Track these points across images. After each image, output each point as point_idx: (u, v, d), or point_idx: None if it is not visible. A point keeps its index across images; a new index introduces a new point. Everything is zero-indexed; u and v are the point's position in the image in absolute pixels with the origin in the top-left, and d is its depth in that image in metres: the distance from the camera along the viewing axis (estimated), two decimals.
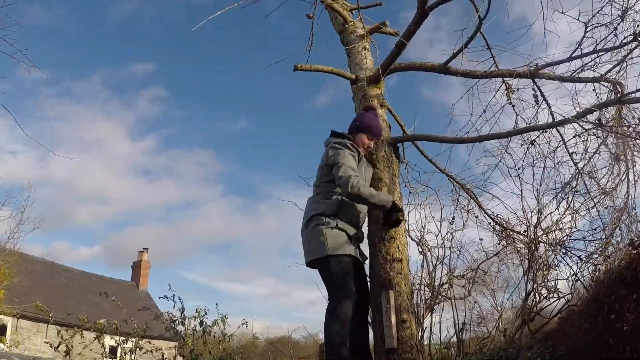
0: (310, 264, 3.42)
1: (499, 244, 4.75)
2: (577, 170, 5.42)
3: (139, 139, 54.27)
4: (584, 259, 5.27)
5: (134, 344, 5.05)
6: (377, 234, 3.44)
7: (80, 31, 48.84)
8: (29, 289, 16.84)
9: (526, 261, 4.07)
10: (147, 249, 27.19)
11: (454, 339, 4.44)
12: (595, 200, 5.55)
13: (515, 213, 4.42)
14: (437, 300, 3.91)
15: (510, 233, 4.59)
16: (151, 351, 4.99)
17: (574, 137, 5.45)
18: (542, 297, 4.05)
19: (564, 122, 4.22)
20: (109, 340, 5.13)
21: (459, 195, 4.57)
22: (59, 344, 5.02)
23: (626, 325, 4.74)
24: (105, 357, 5.06)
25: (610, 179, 5.75)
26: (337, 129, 3.71)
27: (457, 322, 3.72)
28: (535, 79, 4.75)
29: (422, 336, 3.74)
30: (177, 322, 4.95)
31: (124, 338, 5.15)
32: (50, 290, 18.76)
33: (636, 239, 5.05)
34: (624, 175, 5.65)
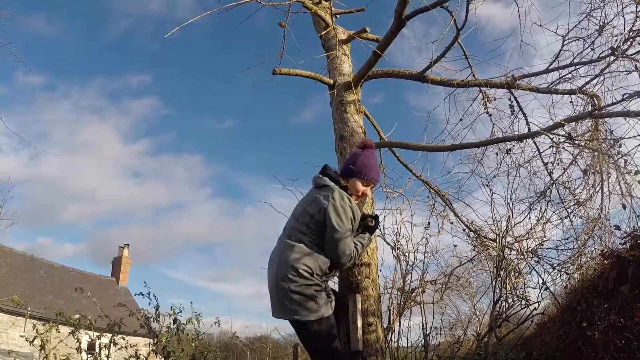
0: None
1: (474, 250, 4.84)
2: (552, 181, 5.53)
3: (131, 143, 54.39)
4: (556, 267, 5.38)
5: (108, 339, 5.05)
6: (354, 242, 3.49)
7: (80, 44, 49.21)
8: (8, 282, 16.70)
9: (495, 269, 4.16)
10: (128, 244, 26.85)
11: (430, 342, 4.50)
12: (569, 210, 5.66)
13: (486, 221, 4.52)
14: (409, 305, 3.98)
15: (484, 240, 4.69)
16: (126, 347, 5.00)
17: (549, 147, 5.57)
18: (509, 305, 4.13)
19: (535, 134, 4.32)
20: (85, 336, 5.13)
21: (435, 202, 4.66)
22: (34, 337, 5.00)
23: (597, 333, 4.84)
24: (80, 352, 5.06)
25: (585, 189, 5.87)
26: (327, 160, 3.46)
27: (424, 326, 3.79)
28: (512, 90, 4.86)
29: (391, 339, 3.80)
30: (151, 318, 4.98)
31: (98, 334, 5.15)
32: (29, 284, 18.58)
33: (607, 250, 5.16)
34: (599, 187, 5.77)
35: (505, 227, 4.24)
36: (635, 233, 4.68)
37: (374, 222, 3.33)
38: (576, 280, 6.29)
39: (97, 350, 5.19)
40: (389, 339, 3.75)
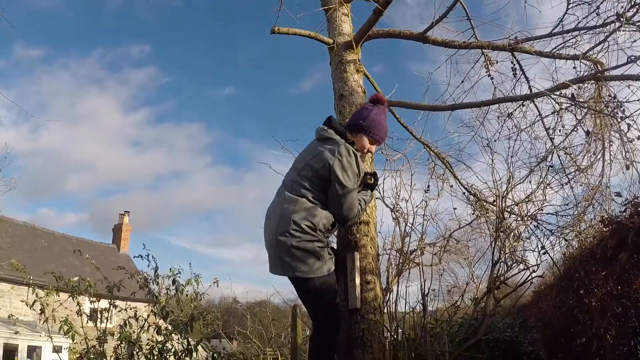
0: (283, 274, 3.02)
1: (473, 214, 4.83)
2: (553, 146, 5.49)
3: (131, 112, 54.28)
4: (555, 233, 5.38)
5: (108, 302, 5.08)
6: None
7: (79, 16, 48.61)
8: (9, 252, 16.80)
9: (494, 231, 4.15)
10: (128, 212, 27.01)
11: (428, 305, 4.53)
12: (569, 176, 5.63)
13: (486, 183, 4.50)
14: (407, 266, 3.98)
15: (484, 203, 4.67)
16: (125, 309, 5.03)
17: (552, 113, 5.51)
18: (508, 267, 4.14)
19: (538, 94, 4.27)
20: (87, 302, 5.15)
21: (435, 164, 4.63)
22: (34, 301, 5.03)
23: (594, 301, 4.87)
24: (80, 315, 5.09)
25: (586, 156, 5.84)
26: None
27: (422, 287, 3.80)
28: (515, 52, 4.77)
29: (389, 299, 3.82)
30: (150, 280, 5.00)
31: (98, 297, 5.17)
32: (30, 253, 18.71)
33: (607, 217, 5.15)
34: (600, 155, 5.73)
35: (505, 189, 4.21)
36: (635, 200, 4.67)
37: (373, 179, 3.30)
38: (575, 248, 6.31)
39: (98, 312, 5.22)
40: (387, 298, 3.76)
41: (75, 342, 5.00)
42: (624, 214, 4.77)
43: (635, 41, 4.49)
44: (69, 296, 5.08)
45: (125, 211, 27.02)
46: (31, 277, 5.61)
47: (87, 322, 5.06)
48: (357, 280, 3.24)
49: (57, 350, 5.78)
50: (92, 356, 4.89)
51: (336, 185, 2.94)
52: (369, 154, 3.29)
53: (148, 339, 4.76)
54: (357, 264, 3.26)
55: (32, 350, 16.21)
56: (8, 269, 15.13)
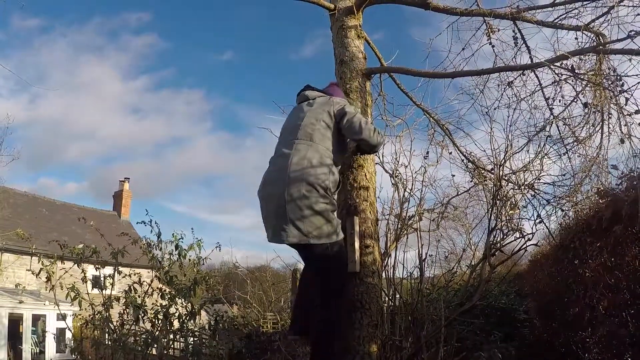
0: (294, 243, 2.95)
1: (471, 181, 4.88)
2: (552, 116, 5.51)
3: (130, 80, 53.93)
4: (551, 202, 5.43)
5: (113, 268, 5.17)
6: (345, 161, 3.52)
7: None
8: (11, 222, 16.92)
9: (491, 198, 4.20)
10: (128, 178, 26.91)
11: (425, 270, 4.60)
12: (567, 147, 5.67)
13: (484, 150, 4.53)
14: (405, 232, 4.05)
15: (482, 171, 4.71)
16: (129, 275, 5.13)
17: (552, 84, 5.51)
18: (504, 235, 4.20)
19: (538, 65, 4.27)
20: (91, 270, 5.24)
21: (434, 131, 4.66)
22: (40, 270, 5.12)
23: (588, 271, 4.97)
24: (85, 282, 5.19)
25: (585, 128, 5.86)
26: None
27: (420, 251, 3.88)
28: (516, 21, 4.75)
29: (387, 263, 3.89)
30: (153, 245, 5.08)
31: (100, 265, 5.25)
32: (32, 222, 18.82)
33: (603, 189, 5.20)
34: (599, 127, 5.75)
35: (503, 157, 4.25)
36: (631, 174, 4.72)
37: None
38: (571, 219, 6.38)
39: (103, 279, 5.32)
40: (385, 263, 3.84)
41: (81, 308, 5.12)
42: (620, 186, 4.83)
43: (638, 14, 4.46)
44: (74, 264, 5.18)
45: (125, 178, 26.91)
46: (35, 247, 5.70)
47: (92, 289, 5.16)
48: (356, 245, 3.30)
49: (63, 317, 5.91)
50: (97, 322, 5.01)
51: (354, 118, 3.07)
52: None
53: (152, 304, 4.87)
54: (357, 228, 3.32)
55: (37, 319, 16.45)
56: (12, 239, 15.28)
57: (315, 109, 3.16)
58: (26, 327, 15.86)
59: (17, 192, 20.88)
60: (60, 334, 15.93)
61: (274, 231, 2.97)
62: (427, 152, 4.52)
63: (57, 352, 16.21)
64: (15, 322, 15.95)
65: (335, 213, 2.96)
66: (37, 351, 16.32)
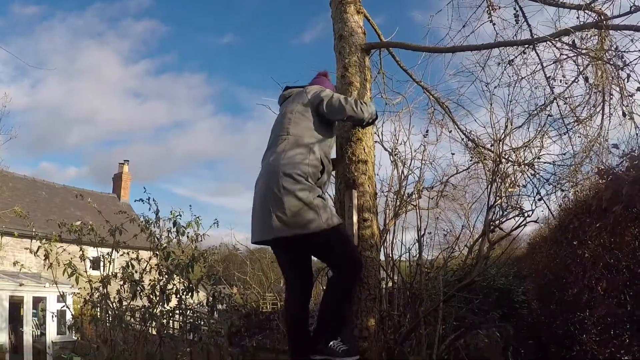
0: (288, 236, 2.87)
1: (470, 159, 4.85)
2: (553, 94, 5.47)
3: (131, 64, 53.79)
4: (551, 182, 5.42)
5: (111, 246, 5.17)
6: (344, 135, 3.50)
7: None
8: (10, 205, 16.87)
9: (491, 175, 4.19)
10: (128, 160, 26.62)
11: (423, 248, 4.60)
12: (568, 126, 5.64)
13: (484, 127, 4.50)
14: (404, 209, 4.04)
15: (482, 150, 4.69)
16: (127, 252, 5.13)
17: (553, 62, 5.47)
18: (503, 210, 4.19)
19: (539, 40, 4.21)
20: (90, 252, 5.24)
21: (434, 109, 4.62)
22: (38, 248, 5.12)
23: (587, 252, 4.96)
24: (84, 260, 5.19)
25: (586, 108, 5.82)
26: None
27: (419, 228, 3.88)
28: None
29: (386, 239, 3.89)
30: (151, 223, 5.07)
31: (99, 242, 5.25)
32: (31, 205, 18.75)
33: (604, 168, 5.18)
34: (600, 107, 5.72)
35: (503, 132, 4.23)
36: (632, 153, 4.69)
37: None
38: (570, 200, 6.37)
39: (101, 257, 5.32)
40: (383, 239, 3.83)
41: (79, 287, 5.12)
42: (621, 166, 4.81)
43: None
44: (73, 241, 5.18)
45: (124, 160, 26.61)
46: (34, 229, 5.69)
47: (90, 267, 5.17)
48: (355, 218, 3.29)
49: (62, 296, 5.93)
50: (96, 299, 5.02)
51: (332, 100, 3.08)
52: None
53: (150, 280, 4.88)
54: (355, 201, 3.30)
55: (37, 302, 16.52)
56: (11, 220, 15.28)
57: (288, 104, 3.22)
58: (27, 309, 15.93)
59: (17, 175, 20.82)
60: (60, 315, 16.03)
61: (260, 229, 2.98)
62: (427, 131, 4.50)
63: (57, 333, 16.32)
64: (15, 305, 16.01)
65: (320, 200, 2.88)
66: (38, 333, 16.41)
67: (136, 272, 4.85)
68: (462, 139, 4.72)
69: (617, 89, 5.32)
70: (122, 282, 4.87)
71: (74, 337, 16.00)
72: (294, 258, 3.13)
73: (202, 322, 5.07)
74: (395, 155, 4.16)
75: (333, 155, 3.42)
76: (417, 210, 3.98)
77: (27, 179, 21.55)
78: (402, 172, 4.07)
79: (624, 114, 4.86)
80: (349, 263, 2.96)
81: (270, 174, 2.91)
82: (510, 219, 4.33)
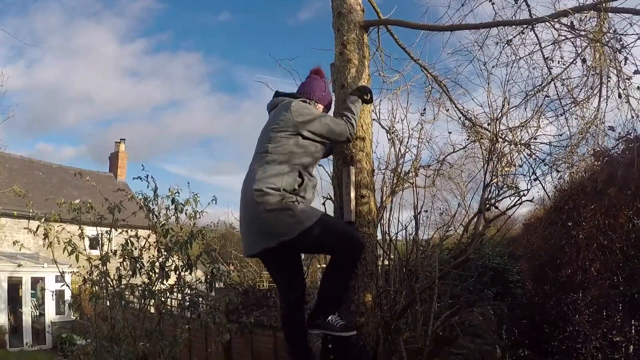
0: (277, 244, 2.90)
1: (467, 139, 4.89)
2: (551, 76, 5.47)
3: (127, 43, 53.37)
4: (547, 162, 5.46)
5: (110, 224, 5.21)
6: (341, 113, 3.52)
7: None
8: (7, 186, 16.86)
9: (487, 154, 4.22)
10: (124, 139, 26.43)
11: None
12: (565, 107, 5.66)
13: (481, 106, 4.52)
14: (401, 187, 4.08)
15: (479, 129, 4.71)
16: (126, 230, 5.17)
17: (552, 43, 5.46)
18: (500, 189, 4.24)
19: (538, 20, 4.21)
20: (89, 231, 5.27)
21: (432, 88, 4.63)
22: (38, 227, 5.15)
23: (581, 233, 5.02)
24: (83, 238, 5.23)
25: (583, 90, 5.84)
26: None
27: (416, 205, 3.92)
28: None
29: (383, 216, 3.94)
30: (150, 200, 5.10)
31: (98, 220, 5.28)
32: (28, 185, 18.66)
33: (599, 150, 5.21)
34: (597, 90, 5.73)
35: (500, 111, 4.26)
36: (628, 136, 4.72)
37: (369, 95, 3.39)
38: (565, 181, 6.41)
39: (100, 235, 5.36)
40: (380, 216, 3.87)
41: (78, 266, 5.16)
42: (616, 149, 4.84)
43: None
44: (72, 219, 5.21)
45: (121, 139, 26.44)
46: (32, 210, 5.70)
47: (89, 245, 5.21)
48: (352, 194, 3.32)
49: (62, 274, 5.97)
50: (95, 277, 5.07)
51: (323, 129, 3.07)
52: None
53: (149, 257, 4.92)
54: (353, 178, 3.33)
55: (36, 282, 16.59)
56: (9, 201, 15.28)
57: (274, 116, 3.16)
58: (25, 290, 16.01)
59: (13, 156, 20.76)
60: (59, 296, 16.10)
61: (247, 244, 3.08)
62: (424, 109, 4.52)
63: (56, 313, 16.42)
64: (14, 285, 16.08)
65: (295, 204, 2.89)
66: (37, 314, 16.52)
67: (136, 249, 4.89)
68: (459, 118, 4.74)
69: (615, 71, 5.33)
70: (121, 260, 4.92)
71: (72, 316, 16.14)
72: (283, 264, 3.17)
73: (200, 299, 5.12)
74: (392, 133, 4.18)
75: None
76: (414, 188, 4.02)
77: (23, 160, 21.49)
78: (399, 150, 4.09)
79: (619, 96, 4.86)
80: (346, 246, 3.00)
81: (246, 191, 2.96)
82: (506, 197, 4.37)
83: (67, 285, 5.48)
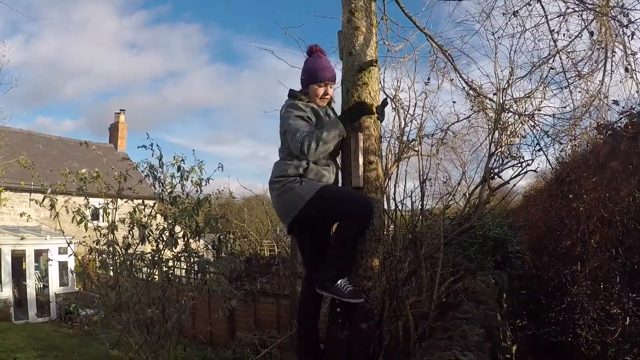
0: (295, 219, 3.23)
1: (471, 109, 4.91)
2: (556, 48, 5.48)
3: (126, 16, 52.70)
4: (550, 134, 5.49)
5: (116, 193, 5.25)
6: (350, 79, 3.53)
7: None
8: (8, 160, 16.88)
9: (492, 123, 4.25)
10: (124, 110, 26.55)
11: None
12: (569, 80, 5.67)
13: (487, 75, 4.53)
14: (406, 154, 4.10)
15: (483, 99, 4.73)
16: (132, 199, 5.22)
17: (558, 16, 5.45)
18: (504, 158, 4.27)
19: None
20: (93, 201, 5.32)
21: (437, 57, 4.64)
22: (44, 197, 5.19)
23: (582, 206, 5.07)
24: (88, 208, 5.28)
25: (588, 63, 5.84)
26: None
27: (421, 171, 3.96)
28: None
29: (388, 184, 3.97)
30: (155, 168, 5.12)
31: (104, 191, 5.32)
32: (29, 159, 18.72)
33: (602, 123, 5.24)
34: (602, 64, 5.73)
35: (506, 82, 4.27)
36: (632, 110, 4.74)
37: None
38: (567, 154, 6.46)
39: (106, 205, 5.41)
40: (386, 183, 3.91)
41: (84, 236, 5.22)
42: (620, 122, 4.87)
43: None
44: (78, 189, 5.25)
45: (120, 110, 26.54)
46: (35, 181, 5.73)
47: (93, 216, 5.26)
48: (360, 160, 3.35)
49: (68, 244, 6.03)
50: (103, 246, 5.13)
51: (282, 128, 3.29)
52: (327, 96, 3.43)
53: (157, 224, 4.98)
54: (361, 144, 3.36)
55: (39, 255, 16.73)
56: (11, 175, 15.30)
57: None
58: (29, 262, 16.14)
59: (12, 129, 20.71)
60: (62, 267, 16.26)
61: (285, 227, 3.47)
62: (429, 78, 4.53)
63: (60, 285, 16.60)
64: (17, 258, 16.20)
65: (297, 182, 3.19)
66: (41, 286, 16.69)
67: (144, 216, 4.95)
68: (464, 88, 4.76)
69: (621, 46, 5.33)
70: (129, 228, 4.98)
71: (75, 287, 16.32)
72: (309, 238, 3.42)
73: (207, 266, 5.20)
74: (396, 101, 4.20)
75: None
76: (419, 156, 4.05)
77: (23, 133, 21.46)
78: (405, 117, 4.12)
79: (626, 70, 4.88)
80: (351, 210, 3.08)
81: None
82: (509, 167, 4.41)
83: (74, 255, 5.54)
